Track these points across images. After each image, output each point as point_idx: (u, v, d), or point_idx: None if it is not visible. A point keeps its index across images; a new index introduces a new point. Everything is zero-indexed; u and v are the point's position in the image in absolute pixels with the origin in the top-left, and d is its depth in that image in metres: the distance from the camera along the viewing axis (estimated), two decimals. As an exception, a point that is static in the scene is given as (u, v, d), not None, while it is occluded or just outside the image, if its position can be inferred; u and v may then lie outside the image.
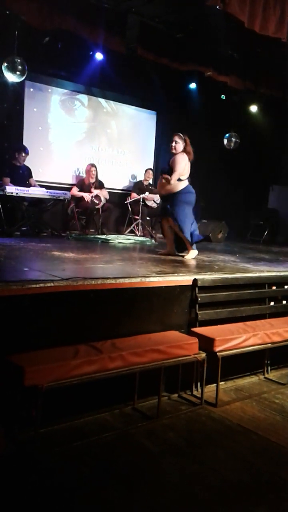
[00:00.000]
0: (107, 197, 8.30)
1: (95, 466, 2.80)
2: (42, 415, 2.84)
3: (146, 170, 9.13)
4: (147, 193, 8.55)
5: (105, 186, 8.47)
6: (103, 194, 8.21)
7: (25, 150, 7.44)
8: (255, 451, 3.14)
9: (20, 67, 6.80)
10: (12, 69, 6.79)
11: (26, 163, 7.52)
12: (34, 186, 7.38)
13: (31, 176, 7.56)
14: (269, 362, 4.66)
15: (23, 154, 7.39)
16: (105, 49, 7.59)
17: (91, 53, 7.98)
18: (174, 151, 5.46)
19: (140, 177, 9.32)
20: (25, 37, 6.87)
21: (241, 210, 10.41)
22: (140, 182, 9.10)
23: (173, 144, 5.45)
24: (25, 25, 6.53)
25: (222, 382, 4.12)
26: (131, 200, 8.78)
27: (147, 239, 7.87)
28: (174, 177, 5.35)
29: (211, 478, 2.78)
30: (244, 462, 2.98)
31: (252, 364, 4.57)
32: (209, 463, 2.93)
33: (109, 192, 8.52)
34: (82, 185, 8.17)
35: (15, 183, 7.09)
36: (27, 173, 7.53)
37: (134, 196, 8.74)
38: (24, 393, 2.84)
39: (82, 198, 8.00)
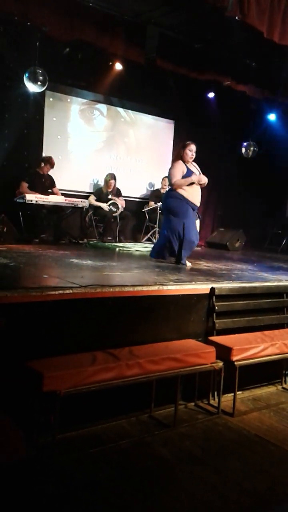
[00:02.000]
0: (124, 205, 8.36)
1: (111, 473, 2.82)
2: (60, 421, 2.87)
3: (163, 179, 9.15)
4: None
5: (123, 194, 8.55)
6: (121, 203, 8.28)
7: (50, 162, 7.52)
8: (272, 461, 3.12)
9: (41, 77, 6.94)
10: (34, 80, 6.93)
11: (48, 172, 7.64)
12: (57, 195, 7.47)
13: (54, 185, 7.66)
14: (287, 372, 4.62)
15: (48, 166, 7.51)
16: (124, 60, 7.68)
17: (110, 63, 8.08)
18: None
19: (158, 185, 9.36)
20: (45, 48, 7.01)
21: (259, 219, 10.37)
22: (158, 190, 9.14)
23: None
24: (46, 36, 6.65)
25: (239, 392, 4.09)
26: (149, 208, 8.82)
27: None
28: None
29: (227, 487, 2.77)
30: (261, 472, 2.96)
31: (269, 374, 4.53)
32: (225, 473, 2.92)
33: (126, 200, 8.59)
34: (100, 194, 8.25)
35: (36, 190, 7.19)
36: (50, 182, 7.63)
37: (152, 204, 8.80)
38: (42, 399, 2.87)
39: (99, 206, 8.09)
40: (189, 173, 5.41)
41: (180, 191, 5.39)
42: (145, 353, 3.36)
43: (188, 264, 5.56)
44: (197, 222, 5.87)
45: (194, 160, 5.57)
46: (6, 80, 7.32)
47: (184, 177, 5.37)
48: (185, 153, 5.41)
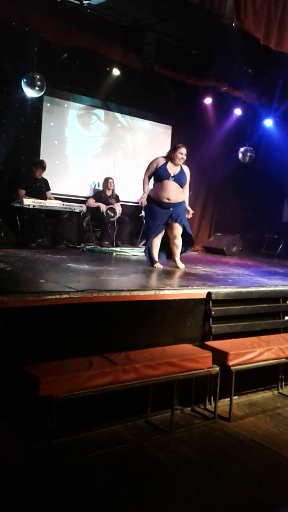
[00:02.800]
0: (120, 211, 8.39)
1: (108, 478, 2.81)
2: (57, 426, 2.87)
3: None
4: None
5: (120, 199, 8.57)
6: (118, 208, 8.31)
7: (42, 167, 7.54)
8: (269, 466, 3.12)
9: (39, 82, 6.95)
10: (31, 85, 6.94)
11: (43, 176, 7.64)
12: (50, 199, 7.48)
13: (48, 189, 7.67)
14: (283, 377, 4.62)
15: (40, 170, 7.53)
16: (122, 65, 7.71)
17: (108, 69, 8.13)
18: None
19: (155, 190, 9.37)
20: (43, 54, 7.04)
21: (256, 224, 10.40)
22: (155, 195, 9.15)
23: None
24: (44, 41, 6.68)
25: (236, 397, 4.10)
26: (146, 213, 8.83)
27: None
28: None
29: (224, 492, 2.77)
30: (257, 477, 2.97)
31: (266, 379, 4.54)
32: (222, 477, 2.92)
33: (123, 205, 8.62)
34: (99, 197, 8.28)
35: (32, 195, 7.20)
36: (45, 186, 7.64)
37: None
38: (39, 404, 2.87)
39: (97, 210, 8.10)
40: (161, 169, 5.52)
41: (152, 190, 5.65)
42: (141, 358, 3.37)
43: (181, 265, 5.72)
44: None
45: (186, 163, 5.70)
46: (4, 85, 7.35)
47: (157, 171, 5.54)
48: (175, 155, 5.53)
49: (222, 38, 6.43)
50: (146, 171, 5.70)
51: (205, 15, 5.54)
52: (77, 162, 8.68)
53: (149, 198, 5.64)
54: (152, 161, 5.66)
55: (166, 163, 5.55)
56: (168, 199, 5.53)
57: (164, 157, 5.63)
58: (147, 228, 5.78)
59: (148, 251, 5.67)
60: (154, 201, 5.58)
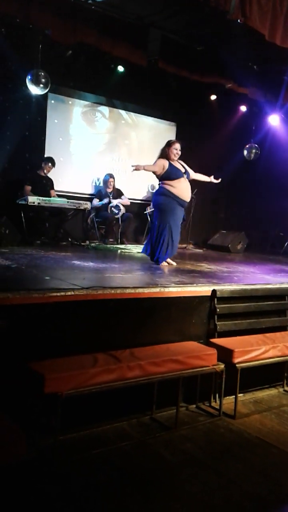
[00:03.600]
0: (128, 203, 8.38)
1: (112, 475, 2.82)
2: (62, 423, 2.87)
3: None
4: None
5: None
6: (124, 202, 8.30)
7: (53, 162, 7.58)
8: (274, 464, 3.11)
9: (43, 80, 6.95)
10: (36, 82, 6.94)
11: (49, 175, 7.65)
12: (53, 197, 7.49)
13: (52, 188, 7.68)
14: (288, 374, 4.62)
15: (50, 165, 7.53)
16: (126, 62, 7.70)
17: (112, 65, 8.11)
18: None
19: (159, 187, 9.36)
20: (48, 51, 7.03)
21: (261, 221, 10.36)
22: (160, 192, 9.14)
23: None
24: (49, 39, 6.68)
25: (241, 394, 4.09)
26: (150, 210, 8.81)
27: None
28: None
29: (229, 489, 2.77)
30: (262, 475, 2.96)
31: (271, 376, 4.53)
32: (227, 475, 2.92)
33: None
34: (101, 195, 8.28)
35: (37, 192, 7.21)
36: (50, 184, 7.65)
37: (153, 206, 8.81)
38: (44, 400, 2.87)
39: (101, 208, 8.10)
40: (172, 169, 5.47)
41: (168, 187, 5.47)
42: (146, 355, 3.36)
43: (172, 262, 5.68)
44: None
45: (181, 158, 5.66)
46: (8, 82, 7.35)
47: (167, 174, 5.44)
48: (170, 151, 5.49)
49: (227, 35, 6.41)
50: (152, 166, 5.50)
51: (210, 11, 5.51)
52: (81, 159, 8.67)
53: (172, 195, 5.44)
54: (157, 162, 5.49)
55: (172, 164, 5.49)
56: (188, 198, 5.57)
57: (162, 157, 5.53)
58: (165, 227, 5.46)
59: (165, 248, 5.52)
60: (178, 200, 5.48)
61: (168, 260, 5.68)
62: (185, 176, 5.51)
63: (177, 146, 5.51)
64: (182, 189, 5.48)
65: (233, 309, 4.33)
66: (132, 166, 5.49)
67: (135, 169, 5.45)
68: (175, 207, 5.50)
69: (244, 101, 9.24)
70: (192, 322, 4.05)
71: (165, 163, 5.48)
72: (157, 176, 5.55)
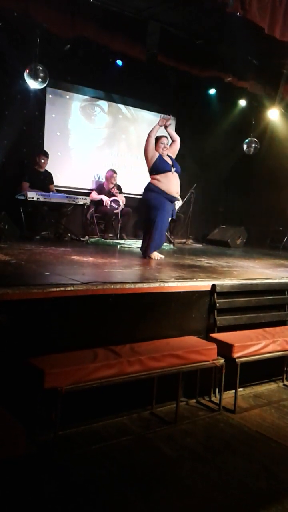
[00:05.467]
0: (124, 201, 8.36)
1: (112, 470, 2.82)
2: (62, 418, 2.88)
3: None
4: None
5: (124, 191, 8.53)
6: (121, 199, 8.27)
7: (45, 154, 7.55)
8: (274, 458, 3.12)
9: (42, 74, 6.90)
10: (34, 76, 6.89)
11: (47, 168, 7.62)
12: (53, 192, 7.47)
13: (51, 182, 7.65)
14: (288, 369, 4.62)
15: (43, 158, 7.49)
16: (125, 56, 7.65)
17: (111, 59, 8.06)
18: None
19: (159, 182, 9.32)
20: (46, 45, 6.98)
21: (261, 216, 10.35)
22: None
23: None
24: (47, 33, 6.63)
25: (241, 389, 4.10)
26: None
27: (166, 244, 7.87)
28: None
29: (229, 484, 2.77)
30: (262, 469, 2.96)
31: (271, 371, 4.54)
32: (227, 469, 2.92)
33: (127, 197, 8.57)
34: (102, 190, 8.25)
35: (35, 188, 7.18)
36: (48, 178, 7.62)
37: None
38: (44, 396, 2.87)
39: (101, 202, 8.07)
40: (161, 162, 5.55)
41: (156, 183, 5.53)
42: (146, 350, 3.36)
43: (160, 256, 5.73)
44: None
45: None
46: (6, 76, 7.29)
47: (156, 166, 5.55)
48: (158, 145, 5.62)
49: (227, 28, 6.37)
50: (147, 151, 5.64)
51: (210, 4, 5.49)
52: (80, 154, 8.63)
53: (160, 191, 5.51)
54: (148, 152, 5.62)
55: (161, 157, 5.58)
56: (177, 193, 5.59)
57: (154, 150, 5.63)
58: (154, 224, 5.54)
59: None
60: (166, 195, 5.52)
61: (155, 253, 5.69)
62: (173, 170, 5.56)
63: (164, 140, 5.67)
64: (170, 184, 5.52)
65: (232, 304, 4.33)
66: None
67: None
68: (163, 202, 5.54)
69: (244, 95, 9.20)
70: (192, 317, 4.05)
71: (155, 154, 5.60)
72: (148, 169, 5.65)
